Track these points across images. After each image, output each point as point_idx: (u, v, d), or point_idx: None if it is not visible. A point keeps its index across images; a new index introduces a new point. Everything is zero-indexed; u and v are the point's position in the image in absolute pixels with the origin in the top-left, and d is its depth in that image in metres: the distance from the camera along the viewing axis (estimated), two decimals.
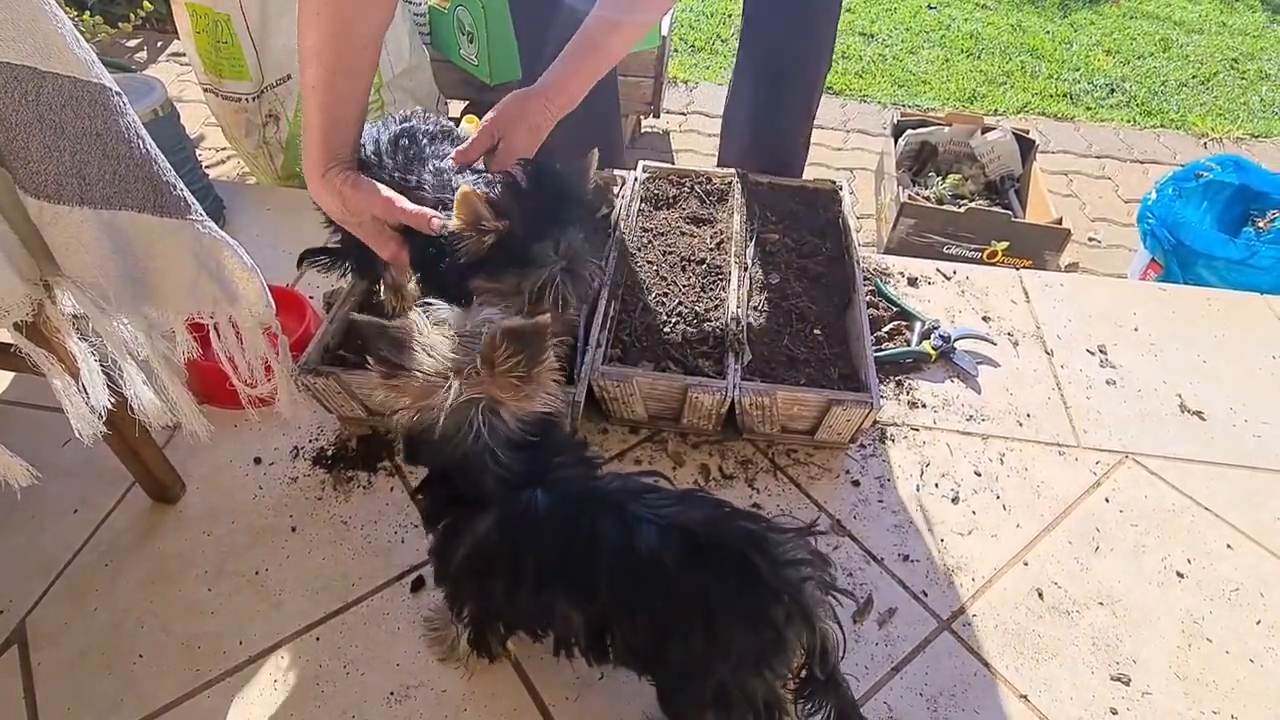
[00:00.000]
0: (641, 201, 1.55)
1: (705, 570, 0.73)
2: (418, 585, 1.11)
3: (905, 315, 1.53)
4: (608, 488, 0.80)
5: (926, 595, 1.12)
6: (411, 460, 0.82)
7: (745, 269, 1.38)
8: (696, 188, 1.59)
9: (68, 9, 1.88)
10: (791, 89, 1.65)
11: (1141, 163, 2.59)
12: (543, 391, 0.78)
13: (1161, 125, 2.78)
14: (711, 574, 0.73)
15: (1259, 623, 1.11)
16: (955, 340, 1.46)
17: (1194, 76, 3.04)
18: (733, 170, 1.60)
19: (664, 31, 2.22)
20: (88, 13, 2.39)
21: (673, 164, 1.68)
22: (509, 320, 0.76)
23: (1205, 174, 1.98)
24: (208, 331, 0.97)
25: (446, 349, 0.75)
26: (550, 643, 0.86)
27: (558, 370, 0.81)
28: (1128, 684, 1.04)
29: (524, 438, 0.76)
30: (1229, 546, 1.20)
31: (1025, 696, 1.02)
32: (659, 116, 2.45)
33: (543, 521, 0.77)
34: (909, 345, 1.47)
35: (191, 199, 0.89)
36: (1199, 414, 1.40)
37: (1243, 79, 3.04)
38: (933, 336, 1.47)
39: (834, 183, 1.60)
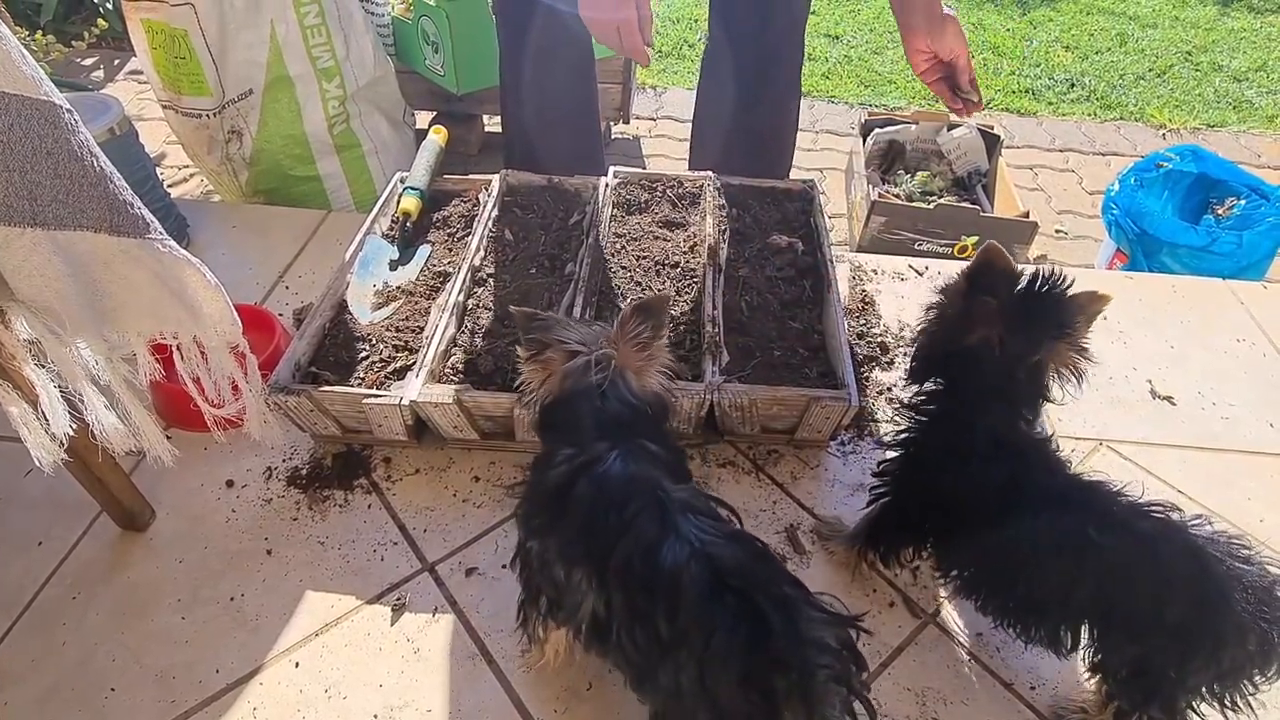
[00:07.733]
0: (614, 207, 1.54)
1: (718, 610, 0.68)
2: (398, 610, 1.09)
3: None
4: (671, 491, 0.78)
5: (911, 589, 1.12)
6: (540, 427, 0.90)
7: (719, 271, 1.38)
8: (668, 192, 1.59)
9: (18, 29, 1.84)
10: (775, 80, 1.62)
11: (1103, 155, 2.64)
12: (658, 366, 0.90)
13: (1121, 118, 2.84)
14: (723, 617, 0.68)
15: None
16: None
17: (1151, 69, 3.11)
18: (704, 173, 1.60)
19: None
20: (40, 32, 2.34)
21: (644, 169, 1.68)
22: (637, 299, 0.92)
23: (1165, 164, 2.03)
24: (172, 353, 0.95)
25: (585, 329, 0.89)
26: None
27: (672, 360, 0.93)
28: None
29: (635, 404, 0.85)
30: None
31: (1010, 684, 1.03)
32: (629, 122, 2.45)
33: (601, 477, 0.79)
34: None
35: (150, 217, 0.87)
36: (1169, 399, 1.43)
37: (1197, 71, 3.12)
38: None
39: (805, 183, 1.61)
